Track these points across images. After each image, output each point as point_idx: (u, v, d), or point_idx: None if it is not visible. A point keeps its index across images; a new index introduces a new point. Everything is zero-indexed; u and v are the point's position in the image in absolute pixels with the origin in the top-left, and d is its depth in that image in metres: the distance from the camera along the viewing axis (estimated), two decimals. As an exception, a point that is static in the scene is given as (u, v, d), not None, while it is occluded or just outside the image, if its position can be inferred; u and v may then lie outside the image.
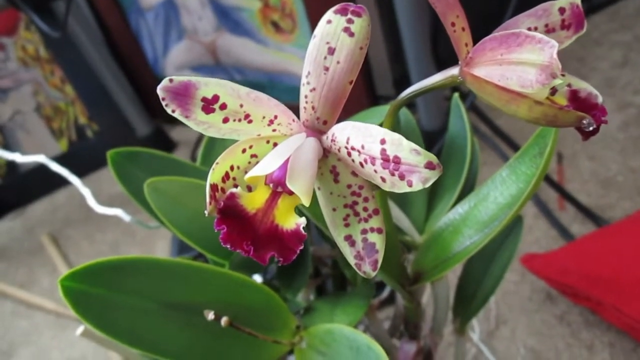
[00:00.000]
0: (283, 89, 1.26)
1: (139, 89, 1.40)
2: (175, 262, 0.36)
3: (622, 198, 0.91)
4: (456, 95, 0.48)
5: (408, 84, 0.29)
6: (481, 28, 0.30)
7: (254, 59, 1.25)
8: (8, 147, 1.37)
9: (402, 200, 0.50)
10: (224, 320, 0.34)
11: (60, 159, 1.42)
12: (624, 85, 1.12)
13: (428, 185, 0.21)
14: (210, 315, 0.34)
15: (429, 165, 0.21)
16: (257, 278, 0.57)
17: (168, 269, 0.36)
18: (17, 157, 0.57)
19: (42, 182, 1.40)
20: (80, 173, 1.37)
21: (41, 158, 0.55)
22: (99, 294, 0.33)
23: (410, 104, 1.17)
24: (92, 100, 1.37)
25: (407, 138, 0.52)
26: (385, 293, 0.65)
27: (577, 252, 0.79)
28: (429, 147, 0.98)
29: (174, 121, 0.24)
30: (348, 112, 0.51)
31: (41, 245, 1.28)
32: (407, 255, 0.47)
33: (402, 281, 0.42)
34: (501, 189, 0.37)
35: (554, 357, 0.74)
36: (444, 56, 0.92)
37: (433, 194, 0.51)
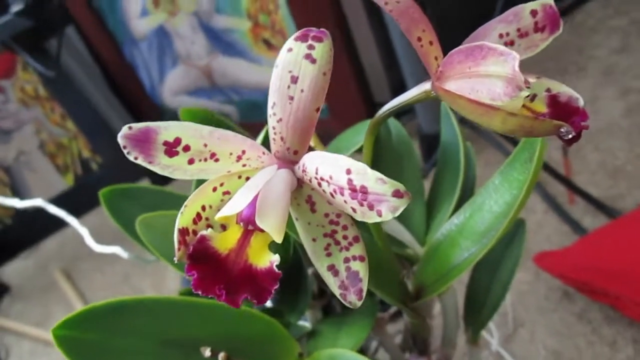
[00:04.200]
0: (281, 106, 1.25)
1: (138, 118, 1.42)
2: (169, 299, 0.36)
3: (633, 187, 0.89)
4: (444, 103, 0.47)
5: (405, 89, 0.28)
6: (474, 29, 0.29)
7: (249, 78, 1.25)
8: (15, 187, 1.39)
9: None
10: (221, 356, 0.34)
11: (67, 195, 1.44)
12: (624, 71, 1.10)
13: (397, 214, 0.20)
14: (207, 352, 0.34)
15: (397, 194, 0.20)
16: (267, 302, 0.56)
17: (163, 307, 0.35)
18: (16, 203, 0.58)
19: (51, 219, 1.40)
20: (89, 206, 1.39)
21: (38, 202, 0.55)
22: (92, 340, 0.33)
23: (409, 108, 1.16)
24: (93, 133, 1.38)
25: (400, 151, 0.52)
26: (395, 307, 0.64)
27: (590, 246, 0.77)
28: (430, 150, 0.97)
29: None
30: (346, 120, 0.51)
31: (55, 281, 1.28)
32: (410, 270, 0.46)
33: (404, 298, 0.41)
34: (495, 197, 0.36)
35: (576, 357, 0.72)
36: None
37: (432, 204, 0.50)
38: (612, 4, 1.28)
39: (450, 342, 0.50)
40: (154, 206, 0.48)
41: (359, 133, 0.50)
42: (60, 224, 1.46)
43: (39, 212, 1.40)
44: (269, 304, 0.55)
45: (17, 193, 1.39)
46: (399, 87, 1.16)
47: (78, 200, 1.37)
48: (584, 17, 1.28)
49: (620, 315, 0.73)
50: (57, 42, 1.01)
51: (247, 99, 1.29)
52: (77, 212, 0.63)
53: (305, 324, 0.49)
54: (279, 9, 1.08)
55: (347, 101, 1.15)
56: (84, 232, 0.52)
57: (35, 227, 1.43)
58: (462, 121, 0.57)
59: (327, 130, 0.57)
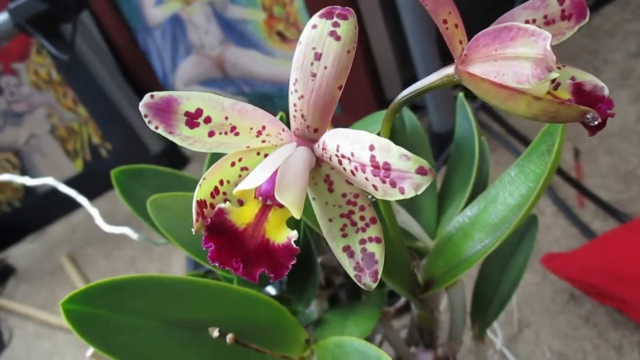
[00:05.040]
0: (292, 99, 1.25)
1: (150, 107, 1.41)
2: (178, 279, 0.36)
3: (644, 191, 0.88)
4: (461, 95, 0.47)
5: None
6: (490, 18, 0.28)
7: (261, 70, 1.25)
8: (25, 170, 1.40)
9: (412, 204, 0.49)
10: (229, 337, 0.34)
11: (76, 180, 1.44)
12: (640, 76, 1.09)
13: (420, 191, 0.20)
14: (215, 333, 0.34)
15: (420, 171, 0.20)
16: (271, 290, 0.56)
17: (171, 287, 0.35)
18: (27, 181, 0.58)
19: (60, 203, 1.42)
20: (97, 192, 1.39)
21: (49, 180, 0.55)
22: (101, 316, 0.33)
23: (420, 106, 1.16)
24: (104, 119, 1.38)
25: (413, 141, 0.51)
26: (402, 300, 0.63)
27: (599, 249, 0.77)
28: (441, 149, 0.96)
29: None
30: (358, 116, 0.50)
31: (61, 265, 1.29)
32: (419, 262, 0.45)
33: (413, 289, 0.41)
34: (510, 189, 0.36)
35: (581, 360, 0.72)
36: (451, 55, 0.91)
37: (443, 197, 0.49)
38: (630, 8, 1.26)
39: (456, 337, 0.49)
40: (165, 188, 0.48)
41: (370, 124, 0.50)
42: (68, 208, 1.47)
43: (47, 195, 1.42)
44: (273, 291, 0.55)
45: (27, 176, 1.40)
46: (411, 84, 1.16)
47: (86, 186, 1.38)
48: (601, 21, 1.27)
49: (626, 319, 0.72)
50: (72, 26, 1.01)
51: (259, 91, 1.29)
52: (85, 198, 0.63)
53: (312, 312, 0.48)
54: (295, 1, 1.08)
55: (360, 97, 1.15)
56: (94, 212, 0.52)
57: (43, 211, 1.44)
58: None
59: (338, 125, 0.57)
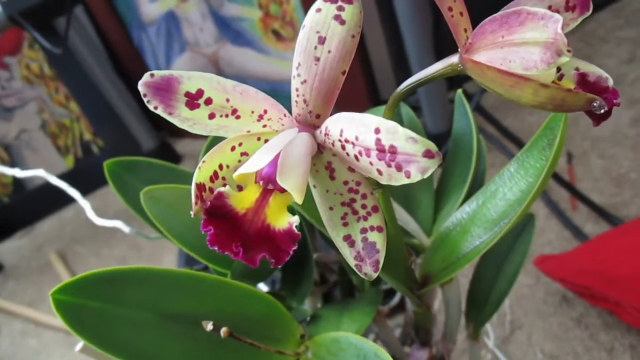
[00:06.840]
0: (287, 97, 1.24)
1: (143, 103, 1.40)
2: (173, 272, 0.35)
3: (636, 195, 0.88)
4: (459, 91, 0.46)
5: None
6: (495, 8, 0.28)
7: (256, 69, 1.25)
8: (14, 165, 1.38)
9: (408, 201, 0.48)
10: (223, 331, 0.33)
11: (67, 176, 1.43)
12: (633, 81, 1.10)
13: (427, 175, 0.19)
14: (209, 326, 0.33)
15: (427, 154, 0.19)
16: (263, 287, 0.55)
17: (165, 279, 0.35)
18: (17, 172, 0.57)
19: (49, 199, 1.41)
20: (87, 189, 1.38)
21: (40, 172, 0.54)
22: (93, 307, 0.32)
23: (415, 107, 1.16)
24: (96, 116, 1.37)
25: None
26: (396, 299, 0.63)
27: (592, 252, 0.77)
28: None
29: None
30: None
31: (49, 262, 1.27)
32: (415, 259, 0.45)
33: (410, 285, 0.40)
34: (510, 185, 0.36)
35: (573, 362, 0.72)
36: (447, 55, 0.91)
37: (440, 195, 0.49)
38: (624, 15, 1.28)
39: (451, 336, 0.49)
40: (158, 181, 0.47)
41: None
42: (57, 204, 1.46)
43: (37, 191, 1.40)
44: (265, 288, 0.54)
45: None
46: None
47: (77, 183, 1.36)
48: (595, 26, 1.28)
49: (618, 321, 0.72)
50: (66, 20, 1.00)
51: (253, 89, 1.29)
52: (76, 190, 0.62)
53: (306, 309, 0.48)
54: (291, -1, 1.07)
55: (354, 97, 1.15)
56: (85, 204, 0.51)
57: (32, 207, 1.42)
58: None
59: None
